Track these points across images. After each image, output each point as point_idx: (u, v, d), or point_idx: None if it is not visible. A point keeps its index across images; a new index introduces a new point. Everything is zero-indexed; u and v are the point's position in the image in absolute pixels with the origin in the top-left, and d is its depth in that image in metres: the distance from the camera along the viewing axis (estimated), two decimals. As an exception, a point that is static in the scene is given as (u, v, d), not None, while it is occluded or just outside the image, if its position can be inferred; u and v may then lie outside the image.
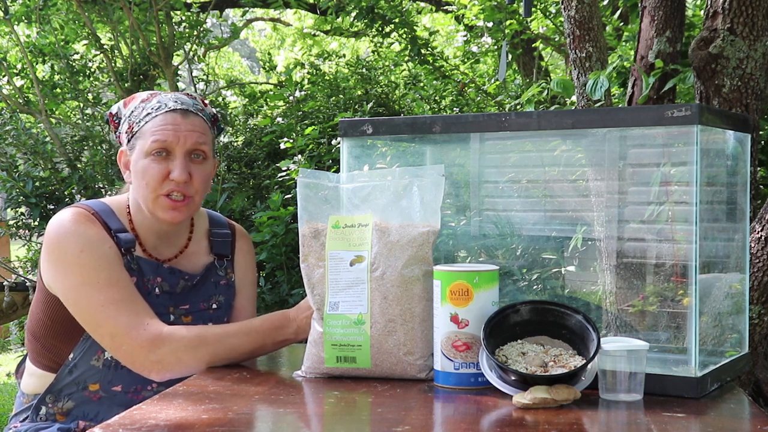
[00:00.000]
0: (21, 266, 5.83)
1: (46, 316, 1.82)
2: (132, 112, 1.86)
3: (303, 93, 4.81)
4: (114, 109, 1.92)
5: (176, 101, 1.84)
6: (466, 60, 7.22)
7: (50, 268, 1.78)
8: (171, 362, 1.70)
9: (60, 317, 1.79)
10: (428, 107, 5.32)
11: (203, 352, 1.70)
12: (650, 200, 1.77)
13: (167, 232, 1.88)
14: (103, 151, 5.13)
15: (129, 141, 1.85)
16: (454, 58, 8.04)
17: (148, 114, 1.82)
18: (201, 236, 1.95)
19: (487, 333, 1.50)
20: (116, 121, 1.91)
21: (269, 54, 7.97)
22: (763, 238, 2.40)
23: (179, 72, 6.19)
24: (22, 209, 4.74)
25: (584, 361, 1.47)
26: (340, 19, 7.95)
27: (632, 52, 3.24)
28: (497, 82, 5.80)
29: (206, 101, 1.94)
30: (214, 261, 1.94)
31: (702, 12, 3.45)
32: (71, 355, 1.80)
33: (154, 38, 5.70)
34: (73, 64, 6.10)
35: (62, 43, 6.18)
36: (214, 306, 1.90)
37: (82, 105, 5.95)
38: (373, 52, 7.49)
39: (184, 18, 6.23)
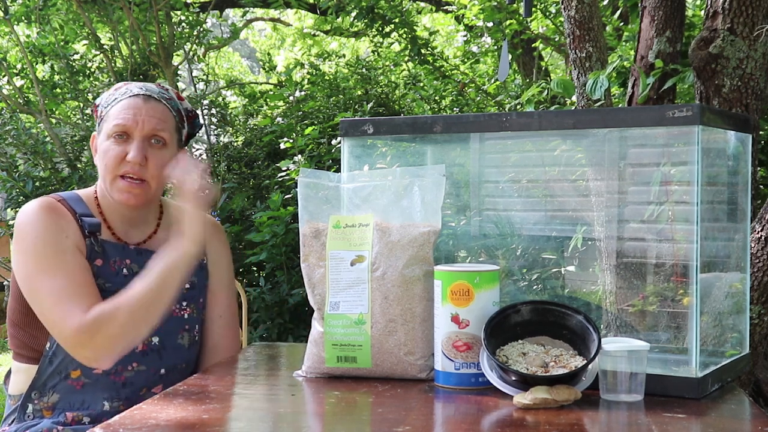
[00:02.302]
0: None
1: (18, 303, 1.85)
2: (105, 99, 1.92)
3: (303, 93, 4.81)
4: (98, 101, 1.97)
5: (141, 88, 1.89)
6: (466, 60, 7.23)
7: (13, 256, 1.83)
8: (104, 345, 1.70)
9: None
10: (428, 107, 5.32)
11: (121, 315, 1.70)
12: (650, 200, 1.77)
13: (134, 217, 1.91)
14: (103, 151, 5.11)
15: (98, 125, 1.91)
16: (454, 58, 8.04)
17: (115, 99, 1.88)
18: (169, 223, 1.98)
19: (487, 333, 1.50)
20: (98, 111, 1.97)
21: (269, 54, 7.97)
22: (763, 238, 2.40)
23: (179, 72, 6.18)
24: (22, 209, 4.73)
25: (585, 362, 1.47)
26: (340, 19, 7.95)
27: (632, 52, 3.24)
28: (497, 83, 5.80)
29: (182, 96, 2.00)
30: None
31: (702, 12, 3.45)
32: (48, 344, 1.81)
33: (154, 38, 5.70)
34: (73, 64, 6.09)
35: (62, 43, 6.17)
36: (187, 286, 1.92)
37: (82, 105, 5.95)
38: (373, 52, 7.49)
39: (184, 18, 6.23)
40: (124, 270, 1.85)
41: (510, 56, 6.55)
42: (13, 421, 1.85)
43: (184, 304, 1.90)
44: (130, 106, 1.85)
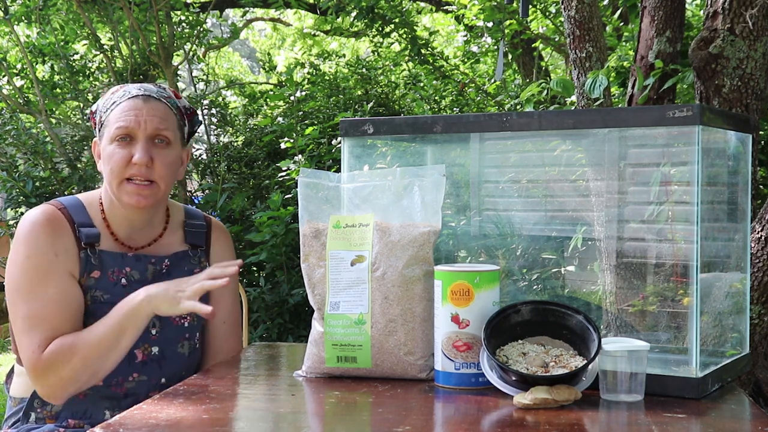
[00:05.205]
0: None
1: None
2: (103, 103, 1.89)
3: (303, 93, 4.81)
4: (94, 107, 1.95)
5: (140, 89, 1.87)
6: (466, 60, 7.23)
7: (7, 264, 1.83)
8: (56, 385, 1.73)
9: None
10: (428, 107, 5.32)
11: (76, 360, 1.72)
12: (650, 200, 1.77)
13: (140, 221, 1.89)
14: (103, 151, 5.11)
15: (99, 131, 1.89)
16: (454, 58, 8.05)
17: (114, 102, 1.86)
18: (176, 227, 1.97)
19: (487, 333, 1.50)
20: (95, 118, 1.94)
21: (269, 54, 7.97)
22: (763, 238, 2.40)
23: (179, 72, 6.18)
24: (22, 209, 4.73)
25: (585, 362, 1.47)
26: (340, 19, 7.95)
27: (632, 52, 3.24)
28: (497, 83, 5.80)
29: (180, 94, 1.98)
30: (187, 250, 1.95)
31: (702, 12, 3.45)
32: None
33: (154, 38, 5.69)
34: (73, 64, 6.08)
35: (62, 43, 6.17)
36: None
37: (82, 105, 5.94)
38: (373, 52, 7.49)
39: (184, 18, 6.22)
40: (123, 280, 1.83)
41: (510, 56, 6.56)
42: (14, 423, 1.85)
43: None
44: (131, 107, 1.83)
